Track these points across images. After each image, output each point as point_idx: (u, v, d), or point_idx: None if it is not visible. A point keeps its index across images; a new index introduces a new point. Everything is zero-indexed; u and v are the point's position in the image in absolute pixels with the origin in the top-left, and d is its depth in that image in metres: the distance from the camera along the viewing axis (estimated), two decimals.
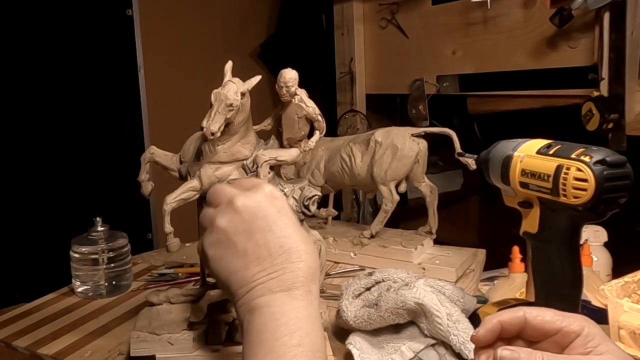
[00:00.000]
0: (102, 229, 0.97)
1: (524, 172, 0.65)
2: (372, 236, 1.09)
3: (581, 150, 0.60)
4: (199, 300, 0.70)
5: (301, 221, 0.68)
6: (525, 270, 0.81)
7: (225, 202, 0.53)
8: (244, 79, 0.67)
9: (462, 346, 0.66)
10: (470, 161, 0.84)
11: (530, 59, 1.33)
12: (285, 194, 0.71)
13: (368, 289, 0.78)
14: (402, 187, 1.08)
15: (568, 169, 0.60)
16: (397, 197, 1.06)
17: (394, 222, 1.13)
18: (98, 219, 0.97)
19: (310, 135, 0.78)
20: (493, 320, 0.44)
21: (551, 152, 0.62)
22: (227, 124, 0.66)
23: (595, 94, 1.19)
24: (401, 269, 0.81)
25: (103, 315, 0.90)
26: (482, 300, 0.85)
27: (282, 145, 0.78)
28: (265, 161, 0.71)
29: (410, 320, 0.72)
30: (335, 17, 1.73)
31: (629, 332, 0.69)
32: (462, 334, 0.67)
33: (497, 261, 1.10)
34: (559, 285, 0.65)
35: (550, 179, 0.61)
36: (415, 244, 1.04)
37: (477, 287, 1.00)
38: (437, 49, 1.52)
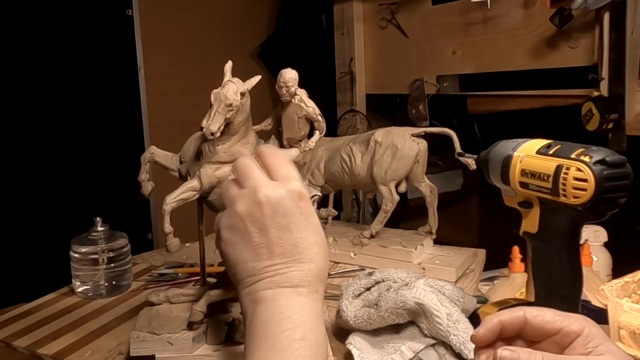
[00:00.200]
0: (102, 229, 0.97)
1: (523, 172, 0.65)
2: (372, 236, 1.09)
3: (581, 150, 0.60)
4: (199, 300, 0.70)
5: None
6: (525, 270, 0.81)
7: (250, 188, 0.52)
8: (244, 79, 0.67)
9: (462, 346, 0.66)
10: (470, 161, 0.84)
11: (530, 59, 1.33)
12: None
13: (368, 289, 0.78)
14: (402, 187, 1.08)
15: (568, 169, 0.60)
16: (397, 197, 1.06)
17: (394, 222, 1.13)
18: (98, 219, 0.97)
19: (310, 135, 0.78)
20: (493, 320, 0.44)
21: (551, 152, 0.62)
22: (227, 124, 0.66)
23: (595, 94, 1.19)
24: (401, 269, 0.81)
25: (103, 315, 0.90)
26: (482, 300, 0.85)
27: (282, 145, 0.78)
28: None
29: (410, 320, 0.72)
30: (335, 17, 1.73)
31: (629, 332, 0.69)
32: (462, 334, 0.67)
33: (497, 261, 1.10)
34: (559, 285, 0.65)
35: (550, 179, 0.61)
36: (415, 244, 1.04)
37: (477, 287, 1.00)
38: (437, 49, 1.52)
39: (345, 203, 1.76)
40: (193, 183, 0.69)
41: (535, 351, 0.42)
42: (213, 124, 0.64)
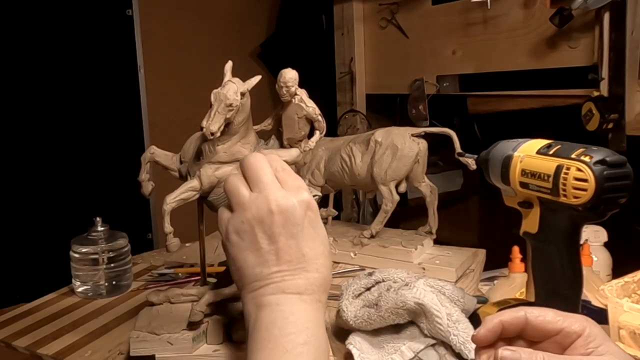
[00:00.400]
0: (102, 229, 0.97)
1: (524, 172, 0.65)
2: (372, 236, 1.09)
3: (581, 150, 0.60)
4: (199, 300, 0.70)
5: None
6: (525, 270, 0.81)
7: (263, 196, 0.53)
8: (244, 79, 0.67)
9: (462, 346, 0.66)
10: (470, 161, 0.84)
11: (530, 59, 1.33)
12: None
13: (368, 289, 0.78)
14: (402, 187, 1.08)
15: (568, 169, 0.60)
16: (397, 197, 1.06)
17: (394, 222, 1.13)
18: (98, 219, 0.97)
19: (310, 135, 0.78)
20: (494, 320, 0.44)
21: (551, 152, 0.62)
22: (227, 124, 0.66)
23: (595, 94, 1.19)
24: (401, 269, 0.81)
25: (103, 315, 0.90)
26: (482, 300, 0.85)
27: (282, 145, 0.78)
28: None
29: (410, 320, 0.72)
30: (335, 17, 1.73)
31: (629, 332, 0.69)
32: (462, 334, 0.67)
33: (497, 261, 1.10)
34: (559, 285, 0.65)
35: (550, 179, 0.61)
36: (415, 244, 1.04)
37: (477, 287, 1.00)
38: (437, 49, 1.52)
39: (345, 203, 1.76)
40: (193, 183, 0.69)
41: (536, 351, 0.42)
42: (213, 124, 0.64)
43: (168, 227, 0.68)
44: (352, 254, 1.08)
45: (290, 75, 0.74)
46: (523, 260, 0.91)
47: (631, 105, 1.18)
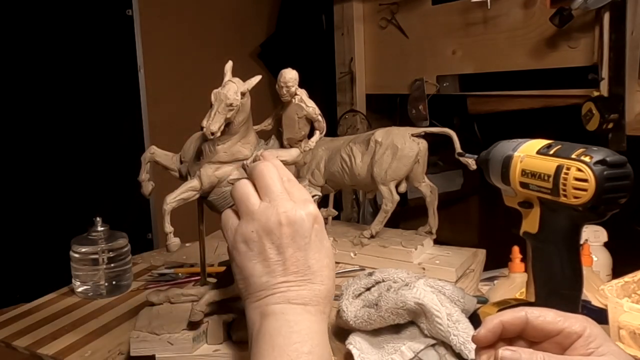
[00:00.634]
0: (102, 229, 0.97)
1: (524, 172, 0.65)
2: (372, 236, 1.09)
3: (581, 150, 0.60)
4: (199, 300, 0.70)
5: None
6: (525, 270, 0.81)
7: (272, 206, 0.54)
8: (244, 79, 0.67)
9: (462, 346, 0.66)
10: (470, 161, 0.84)
11: (530, 59, 1.33)
12: None
13: (368, 289, 0.78)
14: (402, 187, 1.08)
15: (568, 169, 0.60)
16: (397, 197, 1.06)
17: (394, 222, 1.13)
18: (98, 219, 0.97)
19: (310, 135, 0.78)
20: (494, 320, 0.44)
21: (551, 152, 0.62)
22: (227, 123, 0.66)
23: (595, 94, 1.19)
24: (401, 269, 0.81)
25: (103, 315, 0.90)
26: (482, 300, 0.85)
27: (282, 145, 0.78)
28: None
29: (410, 321, 0.72)
30: (335, 17, 1.73)
31: (629, 332, 0.69)
32: (462, 334, 0.67)
33: (497, 261, 1.10)
34: (559, 285, 0.65)
35: (551, 179, 0.61)
36: (415, 244, 1.04)
37: (477, 287, 1.00)
38: (437, 49, 1.52)
39: (345, 203, 1.76)
40: (193, 183, 0.69)
41: (537, 351, 0.42)
42: (213, 123, 0.64)
43: (168, 227, 0.68)
44: (352, 254, 1.08)
45: (290, 75, 0.74)
46: (523, 260, 0.91)
47: (631, 105, 1.18)
